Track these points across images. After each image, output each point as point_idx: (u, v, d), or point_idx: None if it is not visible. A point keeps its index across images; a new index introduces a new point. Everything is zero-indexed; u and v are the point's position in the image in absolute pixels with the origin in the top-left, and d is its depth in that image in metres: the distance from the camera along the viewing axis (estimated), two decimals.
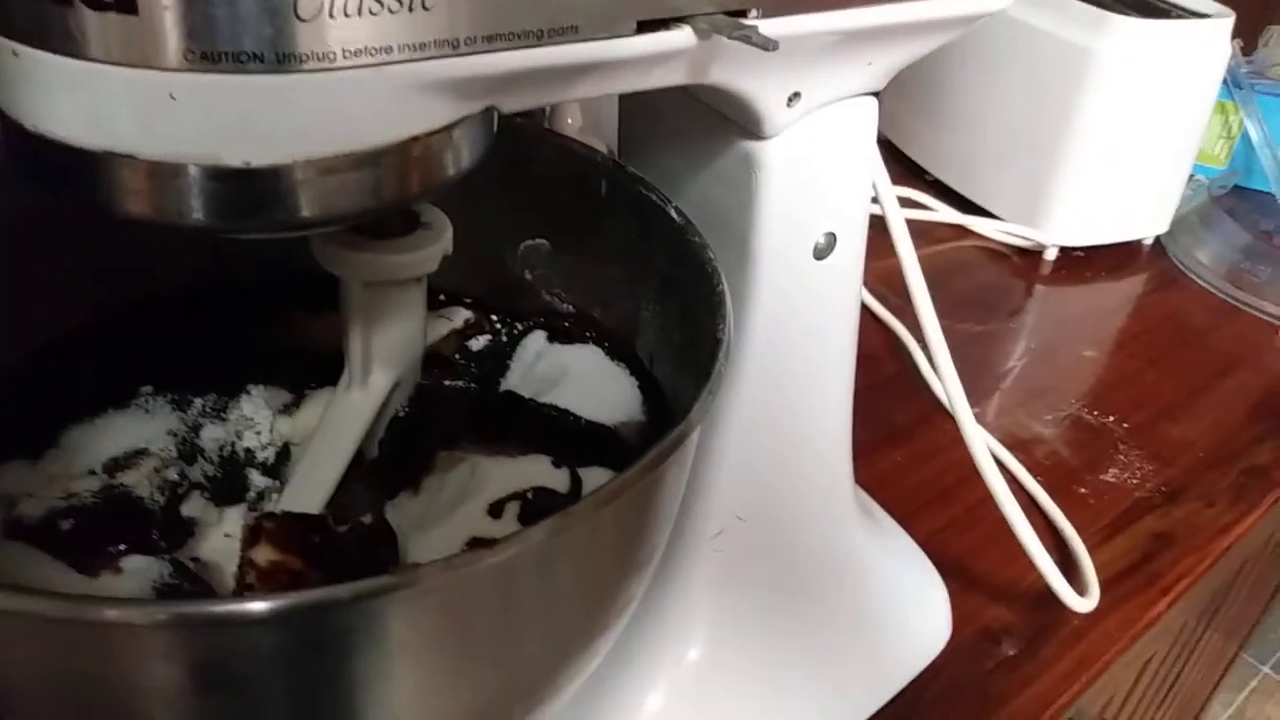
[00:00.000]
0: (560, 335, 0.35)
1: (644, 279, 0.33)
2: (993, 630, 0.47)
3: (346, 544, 0.24)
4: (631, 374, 0.34)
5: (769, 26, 0.25)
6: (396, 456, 0.30)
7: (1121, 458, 0.58)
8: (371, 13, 0.19)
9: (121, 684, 0.19)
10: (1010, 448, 0.57)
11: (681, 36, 0.23)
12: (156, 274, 0.34)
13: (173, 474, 0.29)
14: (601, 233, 0.34)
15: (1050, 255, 0.78)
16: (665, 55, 0.24)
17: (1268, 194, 0.84)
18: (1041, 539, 0.44)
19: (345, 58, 0.19)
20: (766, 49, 0.23)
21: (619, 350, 0.35)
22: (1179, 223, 0.81)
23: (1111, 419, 0.62)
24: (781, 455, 0.36)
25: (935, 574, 0.46)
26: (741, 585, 0.38)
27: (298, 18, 0.18)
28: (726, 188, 0.31)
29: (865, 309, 0.67)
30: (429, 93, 0.21)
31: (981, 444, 0.42)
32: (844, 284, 0.35)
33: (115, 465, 0.29)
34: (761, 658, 0.38)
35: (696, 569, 0.37)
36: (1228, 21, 0.73)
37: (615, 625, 0.26)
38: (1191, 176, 0.87)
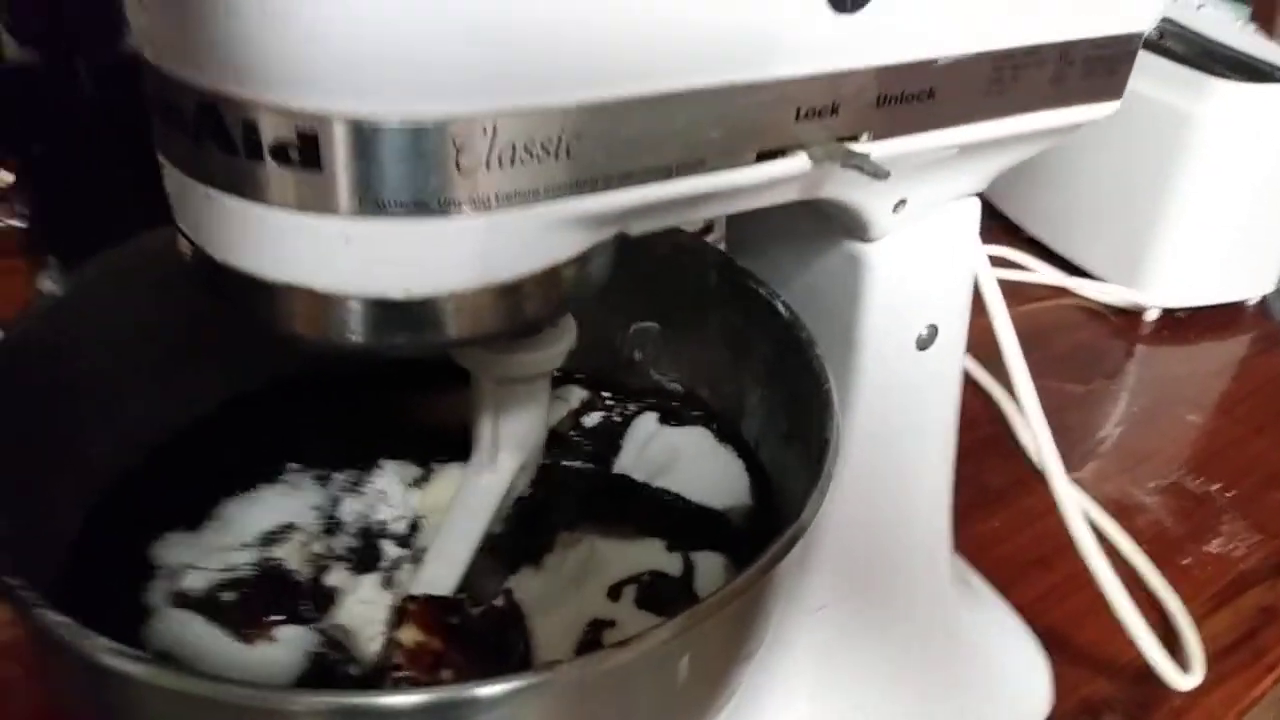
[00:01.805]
0: (671, 416, 0.37)
1: (750, 365, 0.35)
2: (1093, 703, 0.47)
3: (482, 626, 0.26)
4: (739, 455, 0.35)
5: (881, 149, 0.26)
6: (520, 534, 0.32)
7: (1226, 527, 0.58)
8: (522, 162, 0.21)
9: None
10: (1112, 514, 0.57)
11: (797, 164, 0.25)
12: (294, 356, 0.37)
13: (318, 547, 0.32)
14: (709, 320, 0.36)
15: (1151, 316, 0.77)
16: (782, 180, 0.26)
17: None
18: (1143, 610, 0.44)
19: (498, 202, 0.21)
20: (878, 177, 0.25)
21: (726, 432, 0.36)
22: None
23: (1216, 487, 0.61)
24: (880, 536, 0.37)
25: (1034, 643, 0.46)
26: (842, 655, 0.39)
27: (458, 170, 0.21)
28: (832, 283, 0.33)
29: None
30: (568, 226, 0.23)
31: (1076, 511, 0.43)
32: (945, 370, 0.36)
33: (268, 539, 0.31)
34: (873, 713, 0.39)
35: (800, 638, 0.38)
36: None
37: (721, 708, 0.28)
38: None
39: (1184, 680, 0.46)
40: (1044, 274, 0.81)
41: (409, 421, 0.38)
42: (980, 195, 0.34)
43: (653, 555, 0.30)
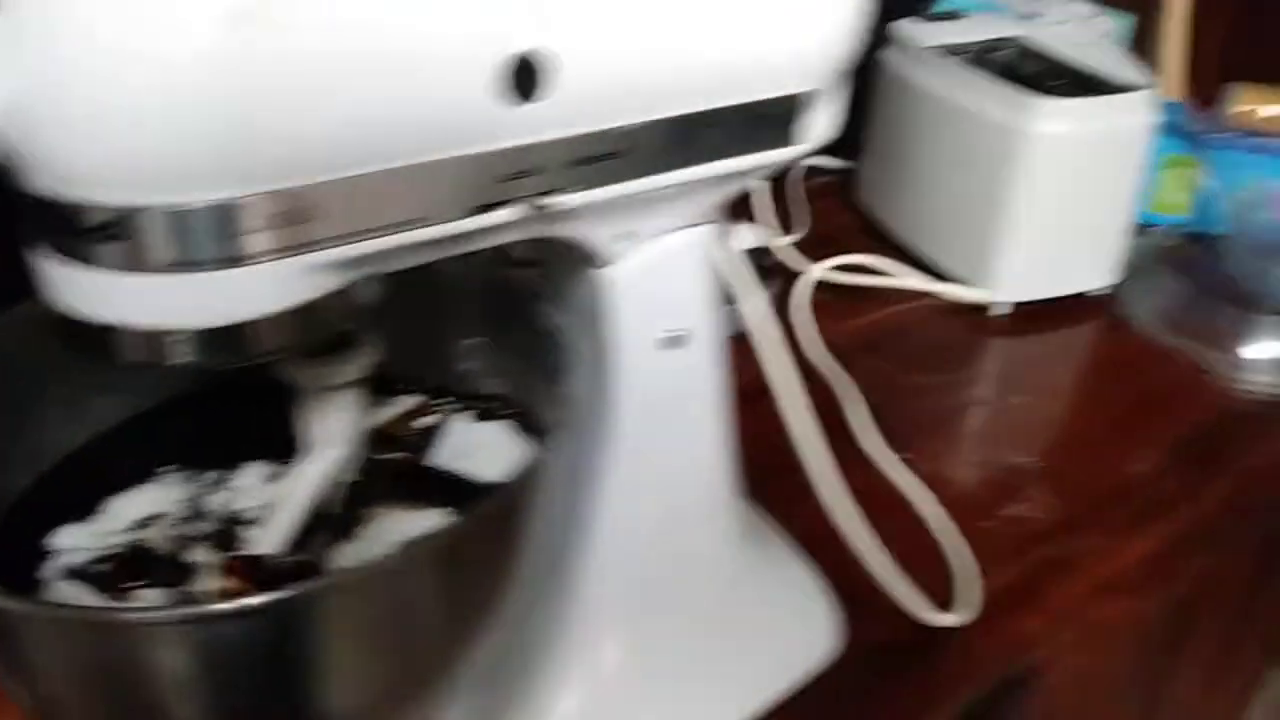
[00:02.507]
0: (487, 415, 0.45)
1: (540, 369, 0.43)
2: (879, 645, 0.55)
3: (283, 575, 0.34)
4: (535, 443, 0.44)
5: (581, 199, 0.35)
6: (342, 511, 0.40)
7: (1030, 494, 0.66)
8: (280, 226, 0.29)
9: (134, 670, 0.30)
10: (931, 485, 0.65)
11: (506, 214, 0.33)
12: (171, 382, 0.45)
13: (181, 530, 0.40)
14: (515, 335, 0.45)
15: (998, 311, 0.85)
16: (500, 227, 0.34)
17: (1224, 240, 0.91)
18: (934, 564, 0.53)
19: (266, 256, 0.30)
20: (570, 220, 0.33)
21: (529, 425, 0.44)
22: (1132, 271, 0.88)
23: (1029, 459, 0.69)
24: (661, 504, 0.46)
25: (822, 596, 0.54)
26: (638, 611, 0.47)
27: (235, 236, 0.29)
28: (590, 297, 0.41)
29: (814, 369, 0.76)
30: (320, 270, 0.31)
31: (833, 482, 0.51)
32: (702, 366, 0.44)
33: (140, 525, 0.40)
34: (661, 667, 0.47)
35: (604, 589, 0.46)
36: (1147, 94, 0.81)
37: (490, 621, 0.36)
38: (1151, 226, 0.95)
39: (944, 618, 0.54)
40: (908, 278, 0.89)
41: (273, 430, 0.46)
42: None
43: (437, 520, 0.38)
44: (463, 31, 0.30)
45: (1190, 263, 0.89)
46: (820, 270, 0.87)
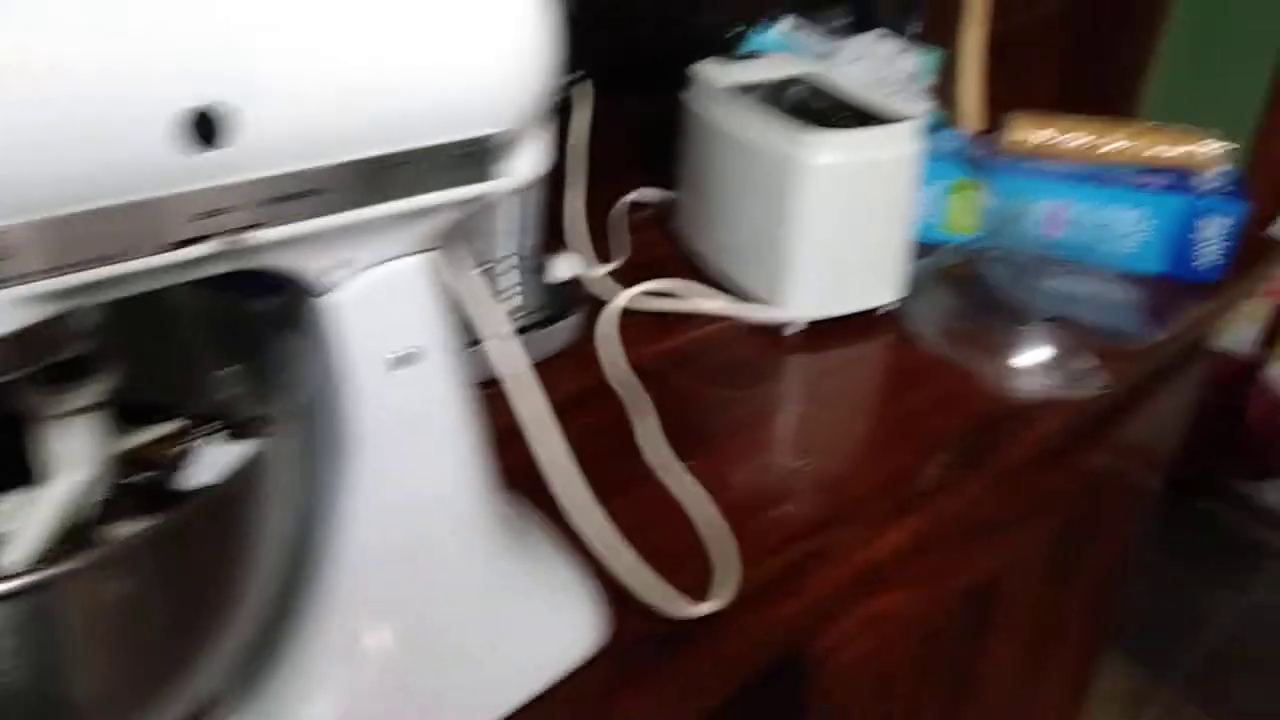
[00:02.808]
0: (240, 434, 0.49)
1: (283, 390, 0.47)
2: (639, 636, 0.59)
3: None
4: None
5: (280, 234, 0.39)
6: (90, 526, 0.43)
7: (799, 493, 0.72)
8: None
9: None
10: (711, 490, 0.70)
11: (203, 249, 0.37)
12: None
13: None
14: (263, 358, 0.48)
15: (794, 329, 0.92)
16: (198, 260, 0.38)
17: (996, 256, 0.99)
18: (700, 560, 0.58)
19: None
20: (270, 251, 0.37)
21: None
22: (916, 288, 0.96)
23: (803, 462, 0.75)
24: (411, 510, 0.50)
25: (588, 595, 0.59)
26: (392, 610, 0.51)
27: None
28: (318, 320, 0.45)
29: (608, 386, 0.81)
30: (25, 303, 0.35)
31: (583, 502, 0.56)
32: (438, 384, 0.49)
33: None
34: (419, 666, 0.51)
35: (355, 594, 0.50)
36: (914, 123, 0.88)
37: (230, 615, 0.39)
38: (942, 245, 1.03)
39: (696, 609, 0.59)
40: (710, 301, 0.95)
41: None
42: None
43: None
44: (139, 86, 0.34)
45: (967, 278, 0.97)
46: (626, 297, 0.92)
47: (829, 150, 0.85)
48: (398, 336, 0.46)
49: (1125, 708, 1.85)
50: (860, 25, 1.08)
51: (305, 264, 0.42)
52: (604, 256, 1.02)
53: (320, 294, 0.44)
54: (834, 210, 0.88)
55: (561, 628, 0.57)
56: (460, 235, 0.49)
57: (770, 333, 0.93)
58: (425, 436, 0.49)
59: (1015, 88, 1.41)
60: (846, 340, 0.93)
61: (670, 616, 0.59)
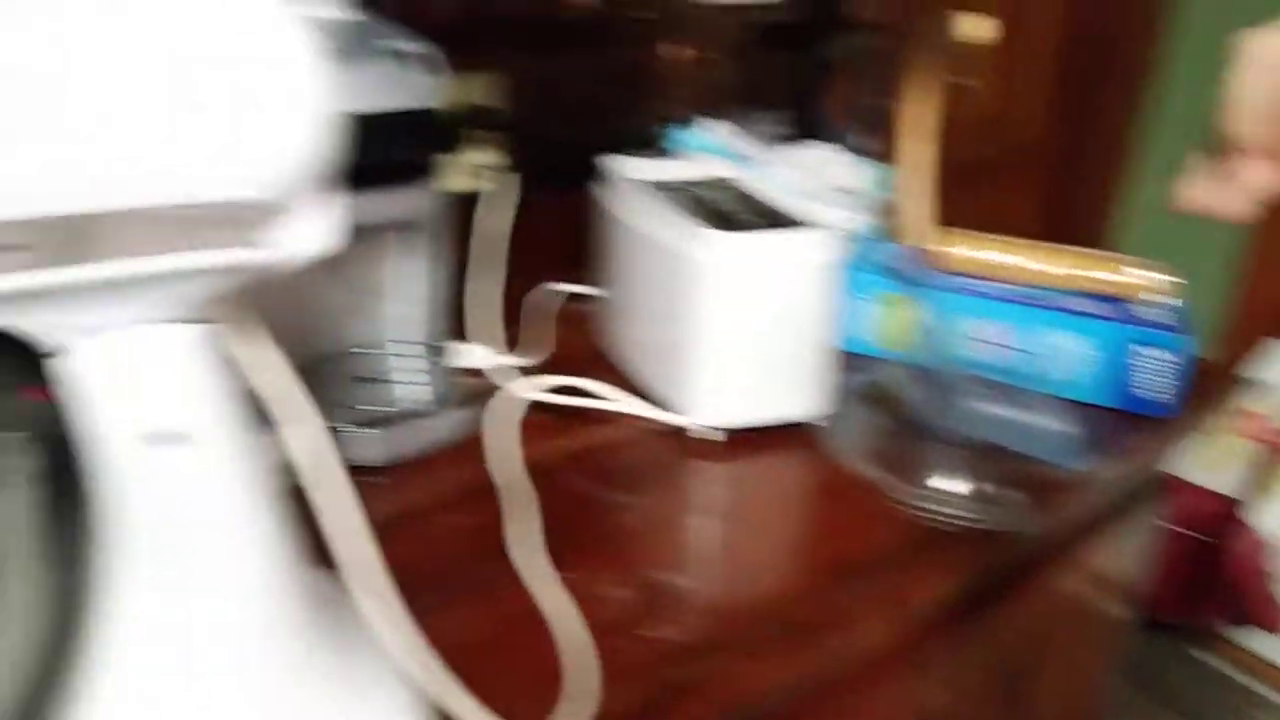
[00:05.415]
0: None
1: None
2: None
3: None
4: None
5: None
6: None
7: (669, 614, 0.66)
8: None
9: None
10: (585, 605, 0.64)
11: None
12: None
13: None
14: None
15: (702, 435, 0.87)
16: None
17: (918, 374, 0.95)
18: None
19: None
20: None
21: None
22: (840, 403, 0.91)
23: (682, 580, 0.69)
24: (187, 600, 0.44)
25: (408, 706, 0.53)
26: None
27: None
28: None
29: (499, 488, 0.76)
30: None
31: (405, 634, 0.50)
32: (217, 466, 0.43)
33: None
34: None
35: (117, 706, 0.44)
36: (826, 231, 0.85)
37: None
38: (873, 360, 0.99)
39: None
40: (616, 401, 0.90)
41: None
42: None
43: None
44: None
45: (894, 397, 0.92)
46: (525, 390, 0.87)
47: (728, 250, 0.81)
48: (154, 411, 0.41)
49: None
50: (802, 134, 1.06)
51: (21, 323, 0.38)
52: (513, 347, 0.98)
53: (50, 354, 0.39)
54: (736, 313, 0.83)
55: None
56: (254, 310, 0.44)
57: (682, 438, 0.88)
58: (206, 525, 0.44)
59: (989, 211, 1.39)
60: (762, 451, 0.87)
61: None
